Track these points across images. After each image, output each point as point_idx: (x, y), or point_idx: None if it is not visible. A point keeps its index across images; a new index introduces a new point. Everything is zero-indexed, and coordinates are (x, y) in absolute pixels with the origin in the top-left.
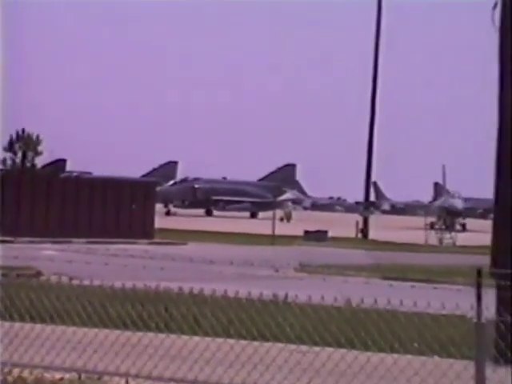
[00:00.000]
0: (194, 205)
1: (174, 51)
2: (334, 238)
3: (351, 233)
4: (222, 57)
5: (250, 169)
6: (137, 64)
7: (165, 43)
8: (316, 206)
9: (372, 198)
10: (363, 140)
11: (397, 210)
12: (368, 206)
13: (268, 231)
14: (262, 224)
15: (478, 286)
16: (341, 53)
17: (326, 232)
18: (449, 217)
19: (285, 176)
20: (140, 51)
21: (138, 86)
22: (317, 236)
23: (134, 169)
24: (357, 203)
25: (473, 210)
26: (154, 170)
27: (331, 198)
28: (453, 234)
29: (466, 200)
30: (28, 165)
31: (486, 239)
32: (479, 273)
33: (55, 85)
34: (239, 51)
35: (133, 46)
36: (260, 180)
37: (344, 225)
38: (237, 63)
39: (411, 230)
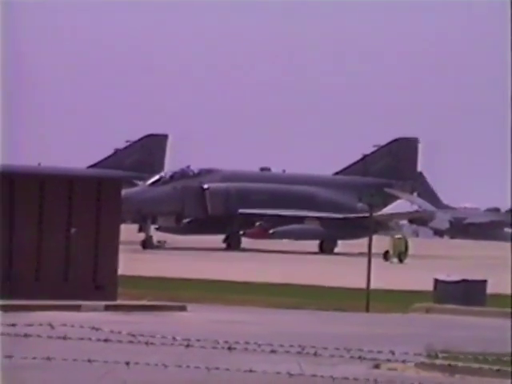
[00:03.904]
0: (201, 226)
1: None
2: (499, 297)
3: None
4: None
5: (316, 156)
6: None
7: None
8: (461, 226)
9: None
10: None
11: None
12: None
13: (358, 281)
14: (342, 266)
15: None
16: None
17: (482, 283)
18: None
19: (394, 163)
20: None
21: None
22: (462, 291)
23: (73, 155)
24: None
25: None
26: (117, 152)
27: (494, 210)
28: None
29: None
30: None
31: None
32: None
33: None
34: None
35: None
36: (338, 173)
37: None
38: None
39: None
